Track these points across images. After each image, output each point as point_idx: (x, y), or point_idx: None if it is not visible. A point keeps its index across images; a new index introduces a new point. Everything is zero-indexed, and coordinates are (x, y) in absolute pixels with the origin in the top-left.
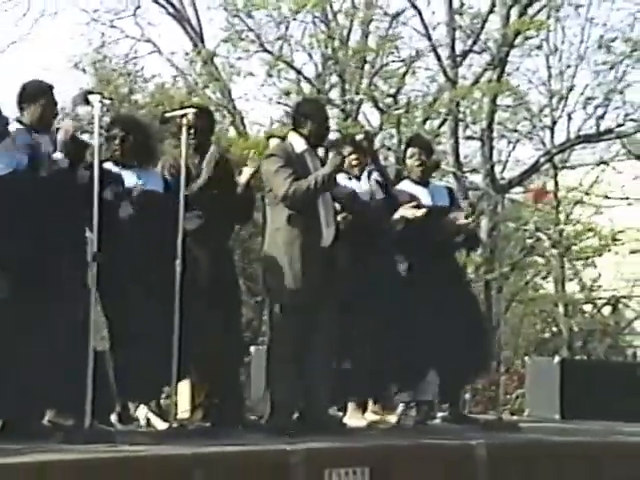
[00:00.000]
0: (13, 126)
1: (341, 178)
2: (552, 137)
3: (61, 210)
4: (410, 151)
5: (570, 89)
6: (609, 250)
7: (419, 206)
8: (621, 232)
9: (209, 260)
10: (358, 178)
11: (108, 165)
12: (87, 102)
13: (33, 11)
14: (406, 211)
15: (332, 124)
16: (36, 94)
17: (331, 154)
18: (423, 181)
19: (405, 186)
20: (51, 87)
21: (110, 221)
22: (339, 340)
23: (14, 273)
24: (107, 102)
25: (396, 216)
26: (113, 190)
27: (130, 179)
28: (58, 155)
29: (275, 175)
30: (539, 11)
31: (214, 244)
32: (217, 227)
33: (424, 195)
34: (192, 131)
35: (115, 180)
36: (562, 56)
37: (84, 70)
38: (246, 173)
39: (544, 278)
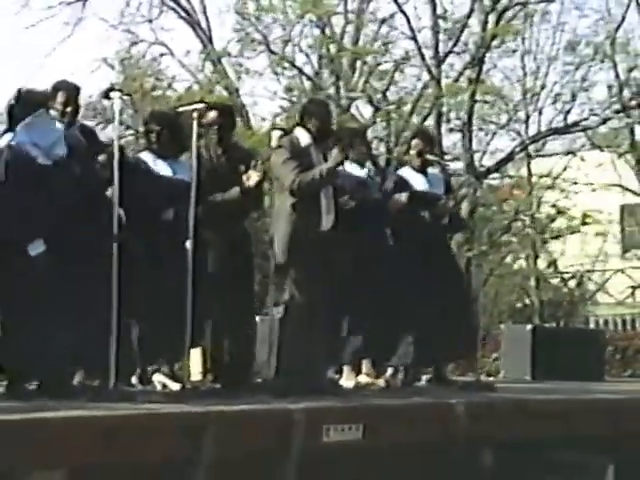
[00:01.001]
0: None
1: (351, 166)
2: (526, 129)
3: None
4: (414, 142)
5: (542, 87)
6: (579, 231)
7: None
8: (588, 216)
9: (228, 241)
10: (362, 166)
11: (145, 155)
12: (108, 98)
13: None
14: (395, 199)
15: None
16: (61, 88)
17: (334, 150)
18: (422, 170)
19: (405, 172)
20: (77, 87)
21: (140, 207)
22: (338, 310)
23: (53, 246)
24: (126, 98)
25: (391, 205)
26: (143, 179)
27: (163, 169)
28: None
29: (282, 166)
30: (514, 17)
31: (233, 227)
32: (235, 212)
33: (422, 182)
34: (215, 127)
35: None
36: (536, 57)
37: (112, 66)
38: (253, 179)
39: (518, 259)
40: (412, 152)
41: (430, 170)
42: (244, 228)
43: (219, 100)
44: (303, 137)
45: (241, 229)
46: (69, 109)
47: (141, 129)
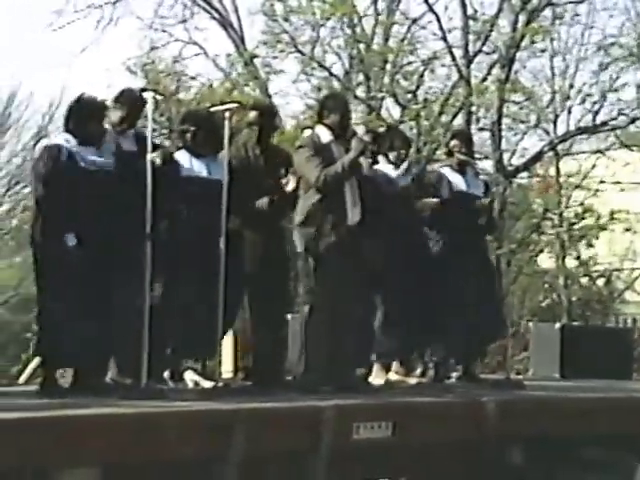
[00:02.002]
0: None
1: (386, 167)
2: (555, 128)
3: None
4: (453, 143)
5: (571, 86)
6: (605, 229)
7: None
8: (616, 213)
9: (264, 240)
10: (397, 166)
11: (181, 154)
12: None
13: (96, 17)
14: (425, 202)
15: (358, 118)
16: (125, 101)
17: (354, 141)
18: (461, 170)
19: (445, 172)
20: (141, 98)
21: (174, 206)
22: (367, 308)
23: (97, 246)
24: (159, 98)
25: (420, 205)
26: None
27: (199, 168)
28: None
29: (306, 164)
30: (541, 13)
31: (269, 226)
32: (272, 212)
33: (461, 183)
34: (256, 127)
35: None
36: (564, 57)
37: (135, 73)
38: (292, 184)
39: (540, 251)
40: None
41: (469, 171)
42: (280, 227)
43: (256, 100)
44: (323, 134)
45: (277, 228)
46: (126, 123)
47: (177, 128)
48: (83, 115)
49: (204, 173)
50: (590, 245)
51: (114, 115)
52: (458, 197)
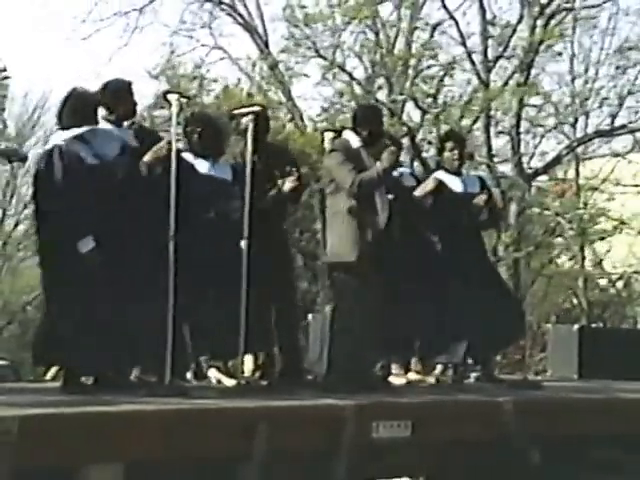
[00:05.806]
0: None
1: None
2: (574, 132)
3: (142, 196)
4: (448, 145)
5: (590, 90)
6: (620, 232)
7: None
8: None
9: (268, 242)
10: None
11: (186, 155)
12: (166, 100)
13: (121, 25)
14: (424, 186)
15: None
16: (118, 92)
17: (386, 152)
18: (456, 171)
19: (440, 175)
20: (130, 83)
21: (186, 205)
22: (386, 308)
23: (102, 244)
24: (184, 100)
25: (418, 193)
26: (189, 178)
27: (204, 168)
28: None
29: (338, 169)
30: (561, 21)
31: (272, 228)
32: (274, 214)
33: (456, 183)
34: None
35: (191, 170)
36: (583, 61)
37: (157, 77)
38: (287, 185)
39: (559, 253)
40: (446, 154)
41: (464, 171)
42: (283, 229)
43: (271, 103)
44: (353, 140)
45: (280, 229)
46: (119, 110)
47: (182, 129)
48: (77, 109)
49: (209, 174)
50: (602, 239)
51: (105, 105)
52: (457, 198)
